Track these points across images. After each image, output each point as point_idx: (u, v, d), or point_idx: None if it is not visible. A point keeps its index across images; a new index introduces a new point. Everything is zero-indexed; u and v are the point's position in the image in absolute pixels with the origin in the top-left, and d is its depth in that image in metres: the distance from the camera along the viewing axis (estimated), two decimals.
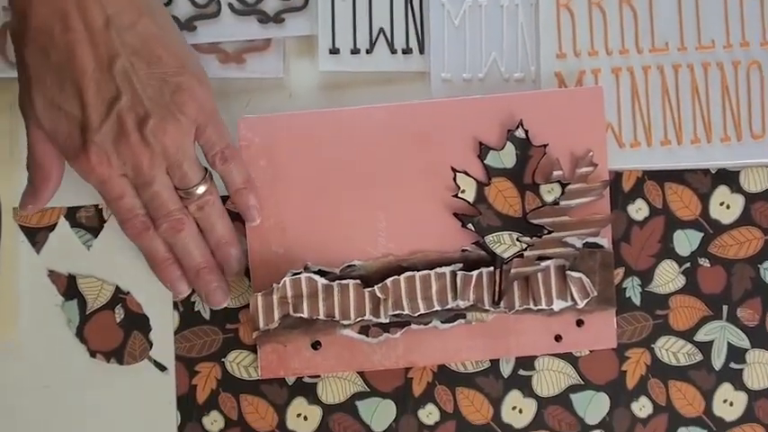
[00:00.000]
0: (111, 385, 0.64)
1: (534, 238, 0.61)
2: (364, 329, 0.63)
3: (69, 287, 0.64)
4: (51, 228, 0.64)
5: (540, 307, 0.61)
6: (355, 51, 0.64)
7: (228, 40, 0.64)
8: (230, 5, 0.64)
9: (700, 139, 0.63)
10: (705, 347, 0.64)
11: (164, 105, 0.57)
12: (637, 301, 0.64)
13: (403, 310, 0.61)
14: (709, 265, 0.64)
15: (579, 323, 0.63)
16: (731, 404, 0.64)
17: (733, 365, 0.64)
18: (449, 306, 0.61)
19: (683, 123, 0.63)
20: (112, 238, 0.64)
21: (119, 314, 0.64)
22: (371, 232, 0.62)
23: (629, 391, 0.64)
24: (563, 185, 0.61)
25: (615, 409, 0.64)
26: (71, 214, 0.64)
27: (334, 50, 0.64)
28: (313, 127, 0.62)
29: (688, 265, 0.64)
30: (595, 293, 0.62)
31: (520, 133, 0.61)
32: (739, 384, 0.64)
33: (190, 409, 0.64)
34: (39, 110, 0.57)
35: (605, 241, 0.62)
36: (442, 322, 0.62)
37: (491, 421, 0.64)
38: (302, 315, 0.61)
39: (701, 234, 0.64)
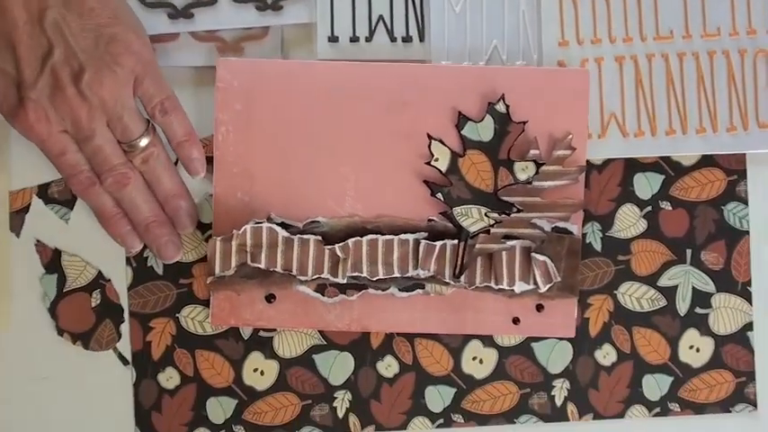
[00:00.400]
0: (70, 366, 0.63)
1: (503, 215, 0.60)
2: (321, 288, 0.62)
3: (52, 261, 0.63)
4: (26, 209, 0.63)
5: (500, 286, 0.60)
6: (354, 39, 0.63)
7: (226, 27, 0.63)
8: None
9: (705, 128, 0.62)
10: (669, 292, 0.63)
11: (98, 57, 0.56)
12: (598, 246, 0.63)
13: (361, 273, 0.60)
14: (671, 209, 0.63)
15: (539, 308, 0.62)
16: (697, 350, 0.63)
17: (698, 310, 0.63)
18: (409, 274, 0.60)
19: (689, 113, 0.62)
20: (87, 210, 0.62)
21: (95, 299, 0.63)
22: (339, 191, 0.61)
23: (591, 339, 0.63)
24: (538, 165, 0.60)
25: (578, 358, 0.63)
26: (43, 191, 0.63)
27: (333, 38, 0.63)
28: (293, 77, 0.61)
29: (649, 208, 0.63)
30: (559, 279, 0.61)
31: (500, 107, 0.60)
32: (705, 330, 0.63)
33: (145, 365, 0.63)
34: None
35: (575, 228, 0.61)
36: (399, 290, 0.62)
37: (451, 372, 0.63)
38: (259, 265, 0.60)
39: (662, 177, 0.63)
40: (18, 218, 0.63)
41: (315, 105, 0.61)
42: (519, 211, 0.60)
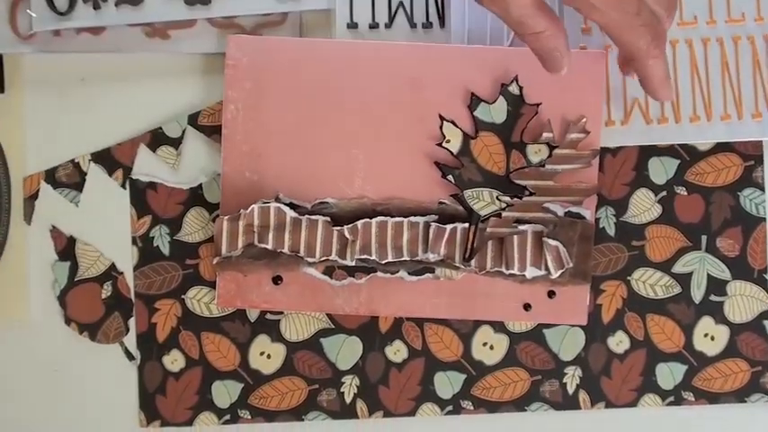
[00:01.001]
0: (75, 357, 0.62)
1: (515, 198, 0.59)
2: (329, 271, 0.61)
3: (66, 248, 0.62)
4: (35, 195, 0.62)
5: (511, 271, 0.59)
6: (374, 26, 0.62)
7: (244, 14, 0.61)
8: None
9: (730, 115, 0.61)
10: (684, 279, 0.62)
11: None
12: (611, 231, 0.62)
13: (370, 256, 0.59)
14: (686, 194, 0.62)
15: (551, 294, 0.61)
16: (712, 338, 0.62)
17: (713, 298, 0.62)
18: (418, 258, 0.59)
19: (713, 99, 0.61)
20: (96, 191, 0.62)
21: (106, 290, 0.62)
22: (349, 171, 0.60)
23: (604, 326, 0.62)
24: (551, 148, 0.59)
25: (591, 345, 0.62)
26: (50, 176, 0.62)
27: (353, 25, 0.62)
28: (303, 55, 0.60)
29: (664, 193, 0.62)
30: (571, 265, 0.59)
31: (514, 89, 0.59)
32: (720, 318, 0.62)
33: (150, 347, 0.62)
34: None
35: (588, 213, 0.60)
36: (409, 274, 0.61)
37: (461, 358, 0.62)
38: (266, 246, 0.59)
39: (678, 161, 0.62)
40: (29, 204, 0.62)
41: (325, 84, 0.60)
42: (531, 194, 0.59)
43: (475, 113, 0.60)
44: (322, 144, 0.60)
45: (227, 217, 0.59)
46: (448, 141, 0.59)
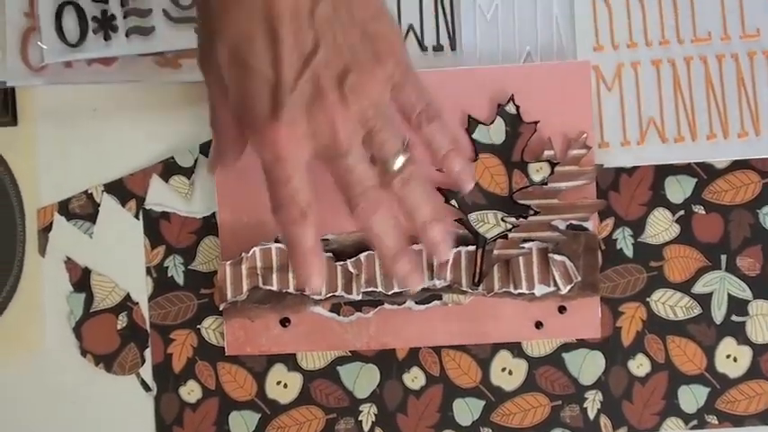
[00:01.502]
0: (91, 388, 0.62)
1: (520, 218, 0.58)
2: (335, 308, 0.60)
3: (81, 280, 0.62)
4: (49, 227, 0.62)
5: (520, 291, 0.58)
6: None
7: None
8: None
9: (747, 132, 0.59)
10: (704, 300, 0.60)
11: (361, 57, 0.47)
12: (629, 252, 0.61)
13: (376, 288, 0.59)
14: (704, 213, 0.61)
15: (561, 310, 0.60)
16: (735, 359, 0.60)
17: (735, 318, 0.60)
18: (425, 285, 0.58)
19: (729, 116, 0.60)
20: (109, 222, 0.62)
21: (121, 321, 0.62)
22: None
23: (624, 349, 0.61)
24: (552, 166, 0.58)
25: (611, 368, 0.61)
26: (63, 207, 0.62)
27: None
28: None
29: (682, 212, 0.61)
30: (579, 279, 0.58)
31: (510, 108, 0.58)
32: (742, 338, 0.60)
33: (166, 378, 0.62)
34: (222, 66, 0.47)
35: (590, 224, 0.59)
36: (416, 303, 0.60)
37: (480, 384, 0.61)
38: (271, 287, 0.59)
39: (695, 180, 0.61)
40: (43, 236, 0.62)
41: None
42: (536, 213, 0.58)
43: (473, 136, 0.58)
44: (318, 179, 0.59)
45: (228, 262, 0.59)
46: None
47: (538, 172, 0.59)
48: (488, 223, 0.59)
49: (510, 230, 0.58)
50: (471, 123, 0.59)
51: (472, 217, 0.59)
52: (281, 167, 0.47)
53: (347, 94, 0.46)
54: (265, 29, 0.45)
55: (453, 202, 0.59)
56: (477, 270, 0.58)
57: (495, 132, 0.59)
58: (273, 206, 0.49)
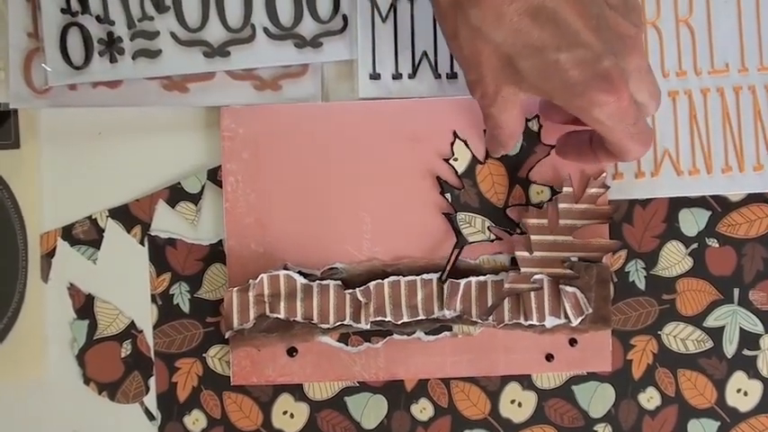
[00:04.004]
0: (95, 417, 0.61)
1: (504, 232, 0.58)
2: (344, 338, 0.60)
3: (84, 306, 0.61)
4: (52, 253, 0.61)
5: (530, 322, 0.58)
6: (397, 76, 0.60)
7: (263, 66, 0.60)
8: (265, 30, 0.60)
9: (763, 165, 0.59)
10: (716, 333, 0.60)
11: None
12: (641, 285, 0.60)
13: (385, 317, 0.58)
14: (718, 246, 0.60)
15: (572, 342, 0.59)
16: (745, 393, 0.60)
17: (746, 352, 0.60)
18: (434, 315, 0.58)
19: (745, 149, 0.59)
20: (114, 248, 0.61)
21: (125, 349, 0.61)
22: (356, 234, 0.59)
23: (635, 382, 0.60)
24: (553, 192, 0.58)
25: (621, 401, 0.60)
26: (67, 233, 0.62)
27: (375, 76, 0.60)
28: (298, 120, 0.59)
29: (695, 245, 0.60)
30: (590, 311, 0.58)
31: (533, 125, 0.58)
32: (753, 372, 0.60)
33: (171, 407, 0.61)
34: (525, 72, 0.49)
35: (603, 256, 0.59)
36: (426, 333, 0.59)
37: (488, 416, 0.60)
38: (279, 316, 0.58)
39: (709, 213, 0.60)
40: (46, 262, 0.61)
41: (323, 148, 0.59)
42: (522, 233, 0.58)
43: None
44: (326, 209, 0.59)
45: (235, 288, 0.58)
46: (455, 159, 0.59)
47: (538, 195, 0.58)
48: (473, 227, 0.58)
49: (492, 241, 0.58)
50: None
51: (460, 216, 0.58)
52: (631, 113, 0.49)
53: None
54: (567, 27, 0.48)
55: (448, 195, 0.58)
56: (447, 268, 0.58)
57: None
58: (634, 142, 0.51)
